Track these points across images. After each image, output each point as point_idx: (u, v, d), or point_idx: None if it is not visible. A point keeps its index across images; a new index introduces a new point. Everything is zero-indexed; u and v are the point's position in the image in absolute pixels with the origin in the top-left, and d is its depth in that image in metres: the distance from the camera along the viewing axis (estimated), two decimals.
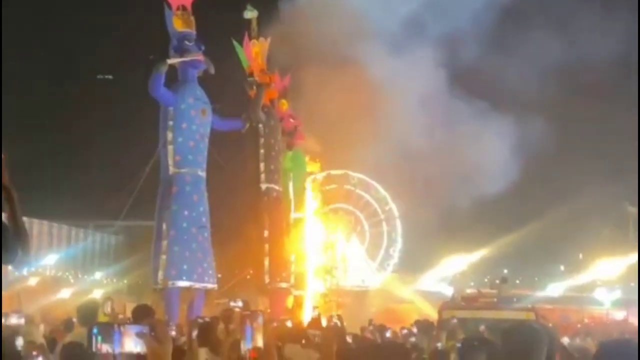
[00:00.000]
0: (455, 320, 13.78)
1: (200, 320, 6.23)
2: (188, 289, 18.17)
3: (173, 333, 8.87)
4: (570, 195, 40.49)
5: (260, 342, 2.99)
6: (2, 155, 3.17)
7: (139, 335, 2.68)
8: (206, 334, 6.24)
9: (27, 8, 45.48)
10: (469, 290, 25.07)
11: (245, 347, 3.00)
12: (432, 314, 21.64)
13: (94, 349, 2.71)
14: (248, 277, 26.61)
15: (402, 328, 14.65)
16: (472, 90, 43.16)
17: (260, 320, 3.05)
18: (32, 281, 29.00)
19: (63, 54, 48.82)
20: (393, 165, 40.43)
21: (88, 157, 46.98)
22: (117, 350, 2.71)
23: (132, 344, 2.69)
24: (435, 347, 8.26)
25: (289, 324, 13.20)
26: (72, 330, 6.94)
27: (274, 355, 3.09)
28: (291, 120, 26.35)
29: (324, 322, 17.83)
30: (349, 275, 40.29)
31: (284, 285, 23.63)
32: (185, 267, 18.10)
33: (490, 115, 42.20)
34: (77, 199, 39.58)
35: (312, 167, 30.12)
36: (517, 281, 39.93)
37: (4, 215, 3.25)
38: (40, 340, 4.77)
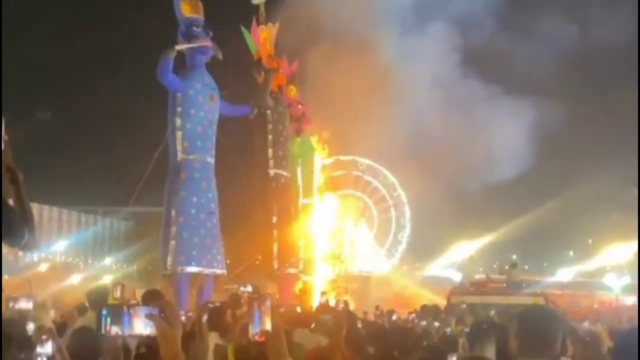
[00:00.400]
0: (464, 305, 13.79)
1: (210, 305, 6.24)
2: (197, 274, 18.23)
3: (182, 318, 8.90)
4: (579, 180, 40.36)
5: (268, 326, 2.98)
6: (5, 137, 3.16)
7: (149, 316, 2.67)
8: (215, 318, 6.25)
9: None
10: (477, 276, 25.07)
11: (253, 330, 2.99)
12: (441, 300, 21.64)
13: (103, 331, 2.71)
14: (257, 262, 26.67)
15: (410, 313, 14.67)
16: (485, 73, 42.71)
17: (268, 303, 3.04)
18: (43, 267, 29.19)
19: (66, 44, 48.83)
20: (402, 149, 40.23)
21: (97, 143, 47.08)
22: (127, 332, 2.70)
23: (141, 325, 2.68)
24: (444, 332, 8.25)
25: (298, 309, 13.22)
26: (84, 315, 6.98)
27: (282, 339, 3.08)
28: (299, 106, 26.32)
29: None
30: (357, 261, 40.33)
31: (292, 271, 23.66)
32: (194, 253, 18.16)
33: (501, 99, 41.81)
34: (86, 184, 39.73)
35: (320, 152, 30.07)
36: (526, 267, 39.84)
37: (9, 197, 3.24)
38: (49, 324, 4.78)
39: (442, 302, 18.58)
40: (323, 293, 21.24)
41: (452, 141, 42.01)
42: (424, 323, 10.30)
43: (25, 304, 4.69)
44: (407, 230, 45.51)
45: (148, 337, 2.72)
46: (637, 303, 32.04)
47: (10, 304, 4.76)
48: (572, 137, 44.56)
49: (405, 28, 42.55)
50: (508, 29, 44.18)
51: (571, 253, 48.85)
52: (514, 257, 35.53)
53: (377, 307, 17.01)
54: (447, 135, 41.70)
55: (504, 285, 19.36)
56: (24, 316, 4.95)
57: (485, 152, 41.66)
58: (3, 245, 3.30)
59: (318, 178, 28.54)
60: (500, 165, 40.65)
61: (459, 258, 40.66)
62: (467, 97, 42.96)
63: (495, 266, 35.12)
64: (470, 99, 42.99)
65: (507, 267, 21.64)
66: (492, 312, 11.91)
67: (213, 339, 5.94)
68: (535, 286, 21.74)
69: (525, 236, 37.39)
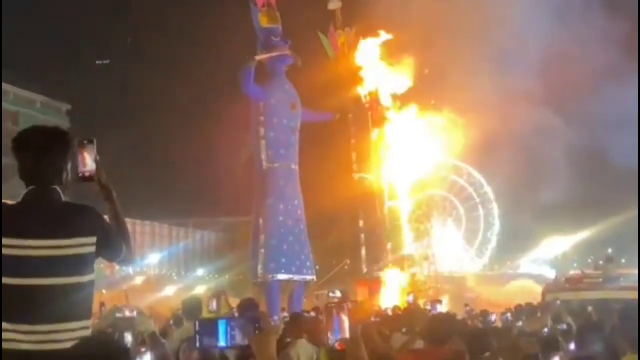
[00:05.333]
0: (558, 302, 13.45)
1: (306, 315, 6.26)
2: (288, 281, 18.37)
3: (278, 324, 9.00)
4: None
5: (347, 334, 2.99)
6: (98, 158, 3.27)
7: (243, 327, 2.72)
8: (299, 325, 6.30)
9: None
10: (572, 272, 24.46)
11: (333, 338, 3.01)
12: (535, 297, 21.21)
13: (199, 344, 2.77)
14: (346, 267, 26.75)
15: (504, 312, 14.43)
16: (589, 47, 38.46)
17: (346, 311, 3.04)
18: (138, 280, 30.03)
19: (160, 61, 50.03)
20: (492, 144, 38.75)
21: (185, 157, 48.01)
22: (224, 344, 2.76)
23: (237, 337, 2.74)
24: (543, 334, 8.02)
25: (389, 312, 13.19)
26: (180, 326, 7.11)
27: (362, 347, 3.08)
28: (380, 107, 26.29)
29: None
30: (447, 261, 39.96)
31: (382, 274, 23.62)
32: (283, 260, 18.31)
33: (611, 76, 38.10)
34: (177, 198, 40.57)
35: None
36: (623, 260, 38.54)
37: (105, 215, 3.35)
38: (153, 328, 4.90)
39: (536, 300, 18.21)
40: (409, 293, 21.13)
41: (543, 132, 40.19)
42: (519, 324, 10.09)
43: (129, 313, 4.86)
44: (497, 227, 44.84)
45: (245, 347, 2.77)
46: None
47: (117, 314, 4.93)
48: None
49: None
50: None
51: None
52: (610, 250, 34.32)
53: (466, 305, 16.81)
54: (539, 126, 39.74)
55: (600, 280, 18.79)
56: (127, 325, 5.09)
57: (582, 142, 39.59)
58: (102, 260, 3.41)
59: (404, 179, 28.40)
60: (602, 157, 38.71)
61: (552, 254, 39.76)
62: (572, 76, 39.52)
63: (590, 261, 34.17)
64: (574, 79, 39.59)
65: (601, 263, 21.01)
66: (590, 309, 11.58)
67: (304, 345, 5.99)
68: (633, 279, 21.04)
69: (621, 229, 36.06)
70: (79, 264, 3.15)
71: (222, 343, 2.76)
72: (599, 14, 38.39)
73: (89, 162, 3.27)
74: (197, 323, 2.82)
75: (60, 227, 3.14)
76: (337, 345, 3.06)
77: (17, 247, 3.07)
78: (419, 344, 5.89)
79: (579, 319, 8.96)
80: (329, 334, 3.00)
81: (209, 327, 2.78)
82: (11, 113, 44.33)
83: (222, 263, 34.41)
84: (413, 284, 26.87)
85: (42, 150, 3.23)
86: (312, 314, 7.58)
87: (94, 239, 3.19)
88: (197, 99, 49.13)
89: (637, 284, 18.35)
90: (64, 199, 3.27)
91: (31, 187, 3.23)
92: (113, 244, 3.30)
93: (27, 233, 3.09)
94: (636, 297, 14.61)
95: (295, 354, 5.90)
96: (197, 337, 2.78)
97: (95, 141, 3.28)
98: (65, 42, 54.49)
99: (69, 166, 3.30)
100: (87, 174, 3.27)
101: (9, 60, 35.77)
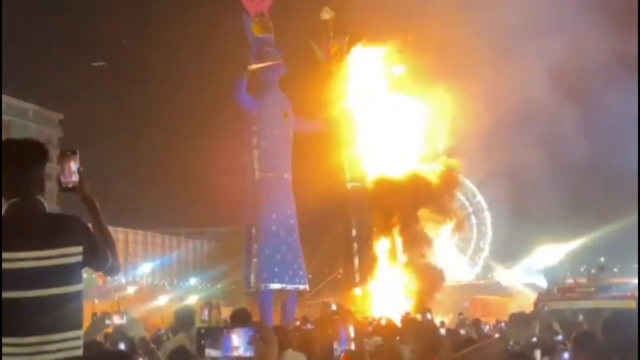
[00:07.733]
0: (546, 308, 13.48)
1: (303, 327, 6.26)
2: (280, 291, 18.36)
3: None
4: None
5: (352, 345, 3.00)
6: (81, 168, 3.28)
7: (247, 337, 2.70)
8: (284, 337, 6.30)
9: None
10: (569, 281, 24.50)
11: (340, 348, 3.01)
12: (528, 306, 21.24)
13: (202, 354, 2.75)
14: (339, 276, 26.69)
15: (498, 322, 14.46)
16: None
17: (351, 322, 3.06)
18: (130, 290, 29.95)
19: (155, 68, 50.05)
20: (484, 151, 38.53)
21: (178, 166, 47.98)
22: (228, 354, 2.74)
23: (241, 347, 2.71)
24: (532, 343, 8.00)
25: (383, 321, 13.20)
26: (175, 335, 7.10)
27: (366, 357, 3.09)
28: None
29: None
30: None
31: (374, 283, 23.58)
32: (276, 269, 18.30)
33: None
34: (169, 207, 40.51)
35: None
36: (615, 269, 38.58)
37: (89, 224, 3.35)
38: (143, 333, 4.87)
39: (528, 309, 18.24)
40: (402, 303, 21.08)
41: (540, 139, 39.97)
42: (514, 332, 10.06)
43: (118, 320, 4.83)
44: (489, 236, 44.82)
45: (247, 358, 2.74)
46: None
47: (106, 322, 4.89)
48: None
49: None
50: None
51: None
52: (602, 259, 34.31)
53: (460, 314, 16.82)
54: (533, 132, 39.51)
55: (592, 289, 18.87)
56: (118, 331, 5.08)
57: (575, 150, 39.39)
58: (89, 270, 3.42)
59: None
60: (592, 163, 38.57)
61: (544, 263, 39.74)
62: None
63: (582, 270, 34.20)
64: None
65: (593, 271, 21.09)
66: (580, 318, 11.63)
67: (290, 354, 6.00)
68: (625, 289, 21.09)
69: (613, 238, 36.04)
70: (66, 274, 3.15)
71: (224, 353, 2.74)
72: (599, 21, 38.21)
73: (72, 172, 3.28)
74: (203, 331, 2.79)
75: (47, 238, 3.14)
76: (342, 357, 3.06)
77: (8, 260, 3.07)
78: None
79: (570, 328, 8.99)
80: (335, 345, 3.00)
81: (212, 336, 2.76)
82: (3, 122, 44.30)
83: (214, 272, 34.30)
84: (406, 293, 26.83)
85: (21, 162, 3.23)
86: (309, 326, 7.58)
87: (79, 249, 3.19)
88: (190, 109, 49.13)
89: (628, 294, 18.43)
90: (47, 209, 3.29)
91: (14, 199, 3.23)
92: (99, 253, 3.30)
93: (16, 246, 3.09)
94: (627, 305, 14.68)
95: None
96: (200, 346, 2.76)
97: (78, 151, 3.29)
98: (57, 52, 54.46)
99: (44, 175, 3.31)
100: (69, 184, 3.28)
101: (2, 69, 35.73)
